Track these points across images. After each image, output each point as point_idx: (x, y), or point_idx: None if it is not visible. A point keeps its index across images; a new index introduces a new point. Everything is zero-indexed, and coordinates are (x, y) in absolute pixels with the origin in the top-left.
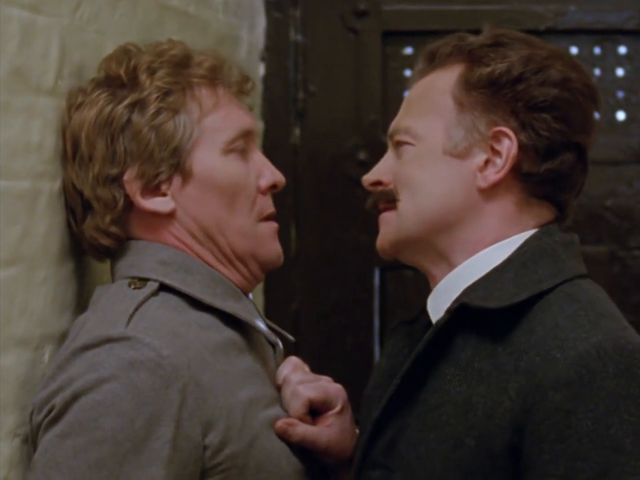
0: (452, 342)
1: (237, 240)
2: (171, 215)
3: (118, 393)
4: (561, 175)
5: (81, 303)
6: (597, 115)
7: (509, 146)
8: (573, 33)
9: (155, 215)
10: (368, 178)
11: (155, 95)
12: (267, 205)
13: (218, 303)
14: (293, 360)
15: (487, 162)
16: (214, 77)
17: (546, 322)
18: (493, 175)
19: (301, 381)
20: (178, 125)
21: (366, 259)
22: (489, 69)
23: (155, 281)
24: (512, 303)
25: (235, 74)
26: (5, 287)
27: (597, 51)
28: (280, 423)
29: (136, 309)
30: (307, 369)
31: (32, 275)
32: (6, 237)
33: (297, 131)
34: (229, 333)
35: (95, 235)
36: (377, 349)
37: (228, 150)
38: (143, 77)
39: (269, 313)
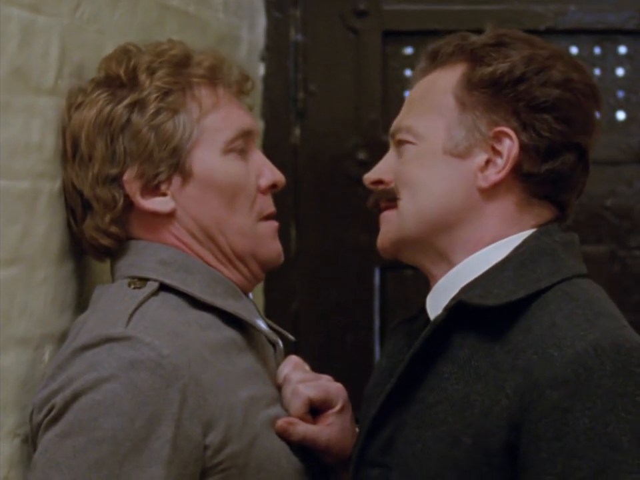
0: (450, 340)
1: (237, 239)
2: (170, 215)
3: (118, 393)
4: (561, 175)
5: (81, 303)
6: (597, 115)
7: (509, 146)
8: (573, 33)
9: (155, 214)
10: (369, 177)
11: (154, 95)
12: (267, 204)
13: (218, 302)
14: (293, 359)
15: (487, 162)
16: (214, 76)
17: (543, 320)
18: (493, 175)
19: (301, 380)
20: (177, 125)
21: (366, 258)
22: (490, 69)
23: (155, 280)
24: (509, 301)
25: (235, 73)
26: (5, 287)
27: (597, 50)
28: (280, 422)
29: (136, 309)
30: (307, 367)
31: (32, 275)
32: (6, 237)
33: (297, 131)
34: (229, 333)
35: (94, 234)
36: (377, 348)
37: (228, 150)
38: (142, 76)
39: (269, 313)
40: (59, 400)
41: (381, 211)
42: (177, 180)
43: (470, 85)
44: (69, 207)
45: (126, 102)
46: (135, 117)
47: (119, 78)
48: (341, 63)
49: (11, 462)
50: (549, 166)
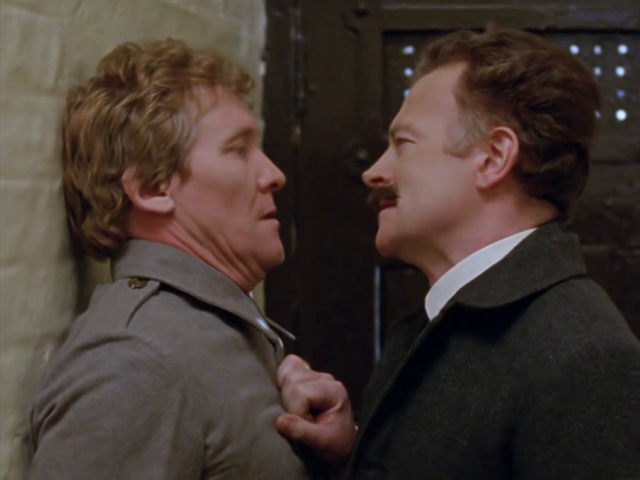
0: (447, 342)
1: (237, 239)
2: (170, 215)
3: (118, 393)
4: (561, 175)
5: (81, 303)
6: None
7: (509, 146)
8: (574, 32)
9: (154, 214)
10: (369, 174)
11: (152, 95)
12: (267, 203)
13: (218, 302)
14: (293, 359)
15: (487, 161)
16: (213, 75)
17: (539, 323)
18: (493, 174)
19: (300, 380)
20: (176, 124)
21: (366, 258)
22: (491, 68)
23: (155, 280)
24: (506, 303)
25: (235, 72)
26: (5, 287)
27: (597, 50)
28: (281, 419)
29: (136, 309)
30: (306, 366)
31: (32, 275)
32: (6, 237)
33: (298, 130)
34: (229, 332)
35: (94, 234)
36: (377, 348)
37: (227, 149)
38: (141, 76)
39: (270, 313)
40: (59, 400)
41: (380, 208)
42: (175, 179)
43: (470, 84)
44: (68, 206)
45: (124, 101)
46: (134, 117)
47: (118, 77)
48: (341, 63)
49: (11, 461)
50: (549, 166)
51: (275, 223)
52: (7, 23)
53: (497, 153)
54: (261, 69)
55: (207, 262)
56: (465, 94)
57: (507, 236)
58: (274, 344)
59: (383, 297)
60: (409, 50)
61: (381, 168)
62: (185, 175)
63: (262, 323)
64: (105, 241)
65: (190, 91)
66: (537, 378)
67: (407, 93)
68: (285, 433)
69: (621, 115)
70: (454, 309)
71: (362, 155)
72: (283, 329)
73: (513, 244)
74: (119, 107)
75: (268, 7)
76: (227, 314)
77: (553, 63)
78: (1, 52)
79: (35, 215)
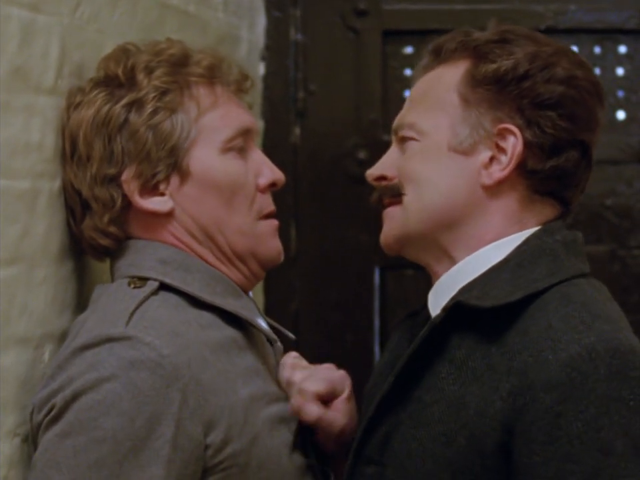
0: (448, 340)
1: (236, 239)
2: (169, 215)
3: (118, 393)
4: (565, 172)
5: (81, 302)
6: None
7: (514, 143)
8: (573, 32)
9: (154, 214)
10: (372, 172)
11: (152, 95)
12: (267, 203)
13: (218, 301)
14: (289, 361)
15: (491, 159)
16: (212, 75)
17: (540, 322)
18: (497, 172)
19: (304, 378)
20: (175, 124)
21: (366, 258)
22: (494, 66)
23: (155, 280)
24: (506, 302)
25: (234, 72)
26: (5, 286)
27: (597, 50)
28: (294, 401)
29: (136, 308)
30: (304, 362)
31: (32, 274)
32: (6, 236)
33: (297, 130)
34: (229, 332)
35: (93, 234)
36: (376, 348)
37: (226, 149)
38: (140, 76)
39: (269, 313)
40: (59, 400)
41: (384, 207)
42: (175, 179)
43: (474, 81)
44: (68, 206)
45: (124, 101)
46: (133, 117)
47: (117, 77)
48: (341, 63)
49: (10, 461)
50: (553, 163)
51: (274, 223)
52: (6, 23)
53: (502, 150)
54: (261, 68)
55: (206, 262)
56: (469, 92)
57: (510, 234)
58: (273, 343)
59: (382, 297)
60: (408, 50)
61: (384, 166)
62: (184, 175)
63: (262, 323)
64: (104, 241)
65: (189, 90)
66: (536, 378)
67: (407, 93)
68: (298, 415)
69: (621, 114)
70: (455, 308)
71: (362, 155)
72: (282, 329)
73: (516, 243)
74: (118, 106)
75: (267, 7)
76: (227, 313)
77: (556, 60)
78: (1, 52)
79: (34, 215)
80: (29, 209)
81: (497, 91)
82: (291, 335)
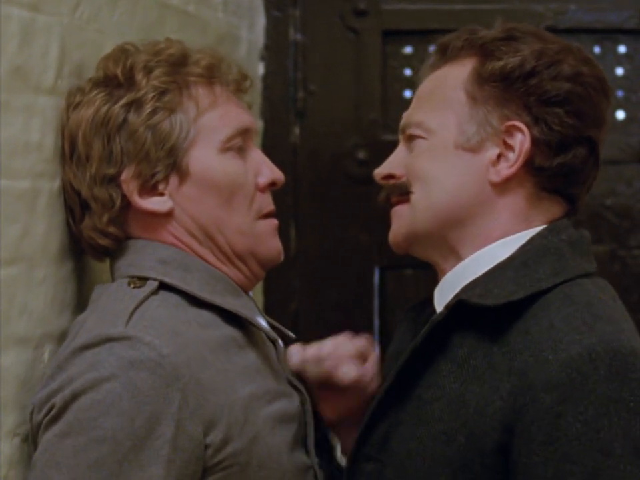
0: (450, 338)
1: (236, 238)
2: (168, 215)
3: (118, 393)
4: (573, 169)
5: (81, 302)
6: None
7: (521, 140)
8: (573, 32)
9: (153, 214)
10: (380, 172)
11: (151, 95)
12: (266, 202)
13: (217, 300)
14: (295, 349)
15: (499, 156)
16: (211, 75)
17: (542, 322)
18: (505, 169)
19: (334, 344)
20: (174, 124)
21: (366, 258)
22: (501, 63)
23: (155, 279)
24: (509, 301)
25: (233, 72)
26: (5, 286)
27: (596, 50)
28: (328, 364)
29: (136, 308)
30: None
31: (32, 274)
32: (6, 236)
33: (297, 130)
34: (228, 331)
35: (92, 234)
36: (376, 348)
37: (225, 148)
38: (139, 76)
39: (269, 313)
40: (58, 400)
41: (392, 206)
42: (174, 179)
43: (480, 79)
44: (67, 206)
45: (123, 102)
46: (132, 117)
47: (116, 77)
48: (341, 63)
49: (10, 461)
50: (561, 160)
51: (274, 222)
52: (6, 23)
53: (509, 147)
54: (260, 68)
55: (206, 261)
56: (476, 89)
57: (516, 232)
58: (273, 342)
59: (382, 297)
60: (408, 50)
61: (392, 165)
62: (183, 175)
63: (262, 321)
64: (103, 241)
65: (188, 90)
66: (536, 378)
67: (407, 93)
68: (333, 379)
69: (621, 114)
70: (457, 306)
71: (361, 155)
72: (282, 327)
73: (522, 240)
74: (117, 106)
75: (267, 7)
76: (226, 312)
77: (563, 57)
78: (1, 52)
79: (34, 215)
80: (29, 209)
81: (504, 88)
82: (291, 334)
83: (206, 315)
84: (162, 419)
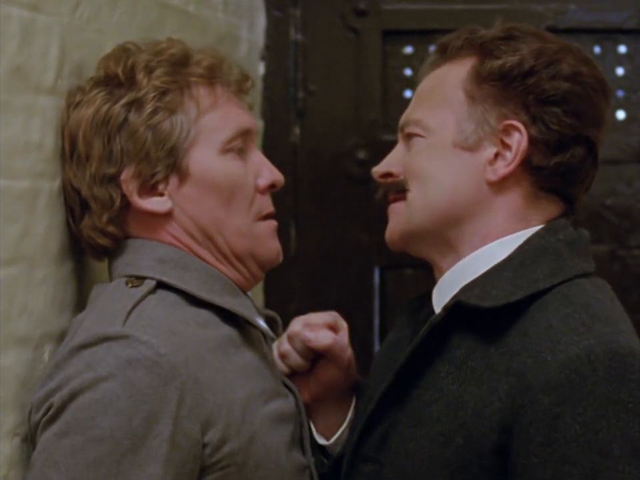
0: (448, 339)
1: (235, 239)
2: (168, 215)
3: (115, 392)
4: (570, 168)
5: (81, 302)
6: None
7: (519, 139)
8: (573, 32)
9: (152, 214)
10: (378, 170)
11: (151, 95)
12: (266, 204)
13: (216, 299)
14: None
15: (497, 155)
16: (212, 75)
17: (540, 323)
18: (502, 168)
19: (306, 317)
20: (174, 125)
21: (366, 258)
22: (500, 62)
23: (152, 279)
24: (507, 303)
25: (234, 73)
26: (5, 286)
27: (596, 50)
28: (306, 333)
29: (133, 307)
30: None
31: (32, 274)
32: (6, 236)
33: (297, 130)
34: (227, 330)
35: (92, 234)
36: (376, 348)
37: (225, 149)
38: (140, 76)
39: None
40: (56, 399)
41: (389, 203)
42: (174, 180)
43: (479, 78)
44: (67, 206)
45: (123, 101)
46: (132, 117)
47: (117, 77)
48: (341, 63)
49: (10, 461)
50: (558, 159)
51: (273, 223)
52: (6, 22)
53: (507, 146)
54: (261, 68)
55: (205, 262)
56: (474, 88)
57: (514, 231)
58: (271, 339)
59: (382, 296)
60: (408, 50)
61: (390, 163)
62: (183, 176)
63: (260, 321)
64: (102, 241)
65: (189, 91)
66: (534, 379)
67: (407, 92)
68: (311, 345)
69: (621, 114)
70: (455, 307)
71: (361, 154)
72: (270, 312)
73: (520, 240)
74: (117, 106)
75: (267, 7)
76: (224, 312)
77: (562, 56)
78: (1, 52)
79: (34, 215)
80: (29, 208)
81: (503, 87)
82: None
83: (204, 314)
84: (160, 417)
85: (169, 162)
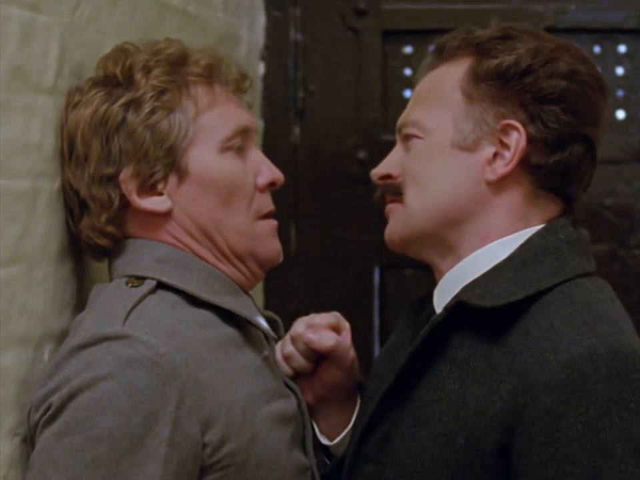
0: (449, 339)
1: (235, 238)
2: (167, 214)
3: (115, 392)
4: (569, 166)
5: (81, 302)
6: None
7: (517, 139)
8: (573, 32)
9: (152, 214)
10: (377, 172)
11: (150, 94)
12: (266, 202)
13: (216, 299)
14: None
15: (495, 155)
16: (210, 75)
17: (541, 323)
18: (501, 167)
19: (309, 318)
20: (173, 124)
21: (366, 258)
22: (497, 61)
23: (152, 279)
24: (508, 302)
25: (233, 72)
26: (5, 286)
27: (596, 49)
28: (309, 335)
29: (133, 307)
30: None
31: (31, 274)
32: (6, 236)
33: (297, 130)
34: (227, 330)
35: (91, 234)
36: (376, 348)
37: (224, 148)
38: (138, 75)
39: None
40: (55, 399)
41: (386, 204)
42: (173, 179)
43: (476, 77)
44: (66, 206)
45: (121, 101)
46: (131, 116)
47: (116, 77)
48: (341, 63)
49: (10, 461)
50: (557, 157)
51: (273, 223)
52: (6, 22)
53: (505, 145)
54: (261, 68)
55: (206, 261)
56: (472, 88)
57: (514, 231)
58: (273, 340)
59: (382, 296)
60: (408, 50)
61: (389, 165)
62: (182, 175)
63: (261, 321)
64: (101, 241)
65: (187, 90)
66: (536, 378)
67: (406, 92)
68: (314, 346)
69: (621, 114)
70: (457, 307)
71: (361, 154)
72: (270, 313)
73: (520, 240)
74: (116, 106)
75: (267, 7)
76: (225, 312)
77: (559, 55)
78: (1, 52)
79: (34, 215)
80: (29, 208)
81: (500, 86)
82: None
83: (204, 314)
84: (159, 417)
85: (167, 161)
